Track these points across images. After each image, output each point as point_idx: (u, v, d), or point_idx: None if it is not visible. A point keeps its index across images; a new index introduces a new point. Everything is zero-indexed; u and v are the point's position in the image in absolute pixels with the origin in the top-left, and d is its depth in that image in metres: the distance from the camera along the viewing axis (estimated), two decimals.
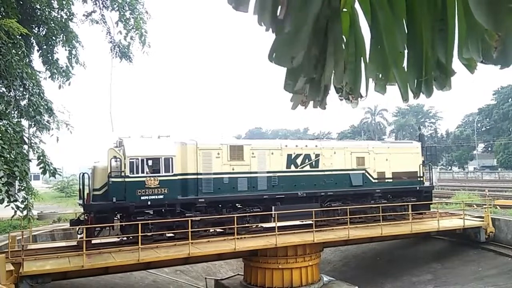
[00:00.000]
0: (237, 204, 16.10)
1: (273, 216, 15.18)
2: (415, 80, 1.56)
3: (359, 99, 1.69)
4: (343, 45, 1.59)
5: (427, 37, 1.49)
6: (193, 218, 14.41)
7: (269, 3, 1.35)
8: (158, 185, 14.34)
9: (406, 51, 1.55)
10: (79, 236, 13.86)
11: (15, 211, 10.12)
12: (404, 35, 1.52)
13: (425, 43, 1.51)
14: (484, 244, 17.94)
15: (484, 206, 20.27)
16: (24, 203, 10.39)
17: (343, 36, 1.60)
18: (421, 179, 19.36)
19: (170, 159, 14.66)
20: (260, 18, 1.36)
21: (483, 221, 18.34)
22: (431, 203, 19.65)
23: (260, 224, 16.20)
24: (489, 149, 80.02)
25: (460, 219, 18.27)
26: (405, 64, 1.58)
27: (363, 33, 1.65)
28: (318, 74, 1.53)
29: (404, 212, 17.85)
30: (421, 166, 19.33)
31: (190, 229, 13.42)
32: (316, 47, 1.42)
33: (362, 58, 1.65)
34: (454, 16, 1.44)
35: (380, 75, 1.62)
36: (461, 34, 1.44)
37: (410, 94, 1.63)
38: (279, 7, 1.31)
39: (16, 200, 10.20)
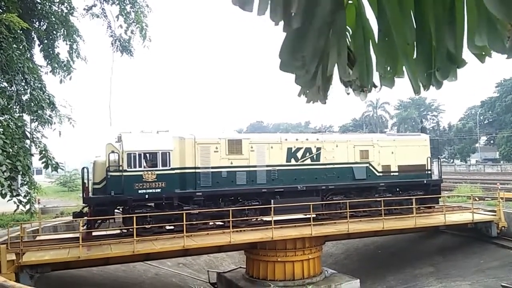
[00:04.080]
0: (238, 198, 16.14)
1: (271, 209, 15.22)
2: (425, 73, 1.53)
3: (370, 90, 1.66)
4: (346, 38, 1.56)
5: (435, 28, 1.46)
6: (190, 211, 14.53)
7: None
8: (156, 179, 14.45)
9: (415, 43, 1.52)
10: (81, 228, 14.10)
11: (18, 206, 10.16)
12: (413, 27, 1.48)
13: (433, 35, 1.47)
14: (488, 237, 17.78)
15: (489, 199, 20.06)
16: (27, 198, 10.42)
17: (350, 29, 1.58)
18: (429, 172, 19.02)
19: (168, 154, 14.76)
20: (272, 13, 1.33)
21: (494, 215, 17.89)
22: (439, 197, 19.24)
23: (260, 217, 16.24)
24: (492, 141, 79.69)
25: (471, 213, 17.74)
26: (414, 56, 1.55)
27: (371, 25, 1.62)
28: (318, 67, 1.50)
29: (408, 206, 17.42)
30: (429, 159, 19.03)
31: (185, 222, 13.56)
32: (322, 40, 1.39)
33: (372, 50, 1.62)
34: (463, 6, 1.41)
35: (389, 68, 1.59)
36: (471, 24, 1.41)
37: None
38: (292, 1, 1.28)
39: (18, 195, 10.24)
